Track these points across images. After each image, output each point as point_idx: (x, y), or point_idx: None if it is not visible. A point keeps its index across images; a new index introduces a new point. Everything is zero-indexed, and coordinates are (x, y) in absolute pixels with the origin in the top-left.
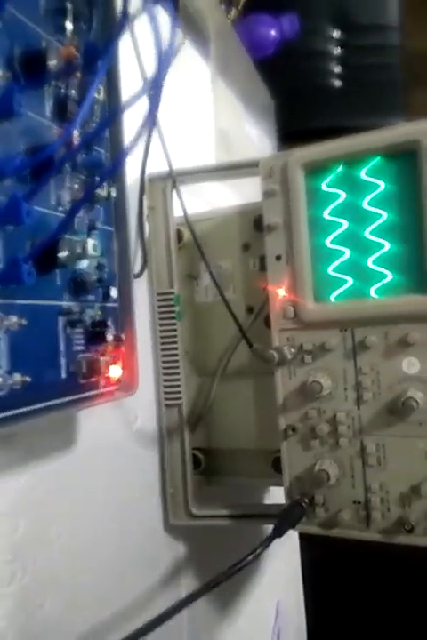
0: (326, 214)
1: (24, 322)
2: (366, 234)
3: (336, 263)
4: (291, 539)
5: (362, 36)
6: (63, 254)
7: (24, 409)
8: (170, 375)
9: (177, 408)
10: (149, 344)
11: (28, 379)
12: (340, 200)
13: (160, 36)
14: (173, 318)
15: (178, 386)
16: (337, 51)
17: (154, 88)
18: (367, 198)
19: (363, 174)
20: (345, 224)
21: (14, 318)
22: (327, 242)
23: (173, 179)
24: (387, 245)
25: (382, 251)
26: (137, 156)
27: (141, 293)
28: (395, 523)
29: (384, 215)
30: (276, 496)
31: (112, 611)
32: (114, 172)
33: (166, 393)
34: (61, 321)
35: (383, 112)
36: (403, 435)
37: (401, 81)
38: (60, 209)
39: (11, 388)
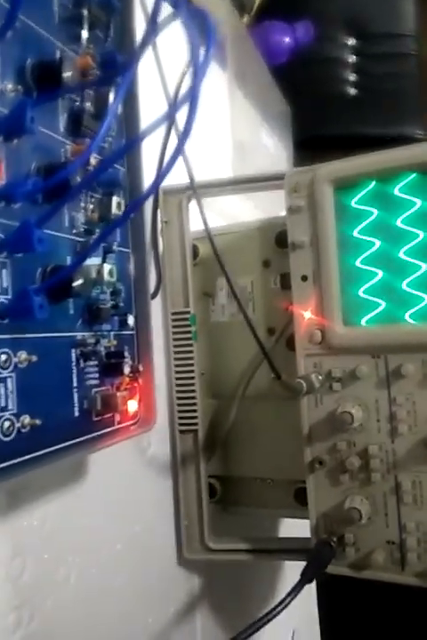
0: (356, 233)
1: (34, 358)
2: (401, 254)
3: (368, 285)
4: None
5: (377, 44)
6: (78, 283)
7: (32, 455)
8: (185, 399)
9: (192, 434)
10: (162, 366)
11: (37, 421)
12: (371, 218)
13: (197, 48)
14: (189, 339)
15: (194, 411)
16: (352, 58)
17: (190, 103)
18: (402, 217)
19: (397, 191)
20: (377, 243)
21: (23, 354)
22: (358, 262)
23: (195, 192)
24: (424, 267)
25: (419, 272)
26: (150, 167)
27: (155, 312)
28: None
29: (421, 235)
30: (297, 526)
31: None
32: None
33: (181, 418)
34: (74, 353)
35: (398, 120)
36: None
37: (416, 89)
38: (74, 232)
39: (19, 432)
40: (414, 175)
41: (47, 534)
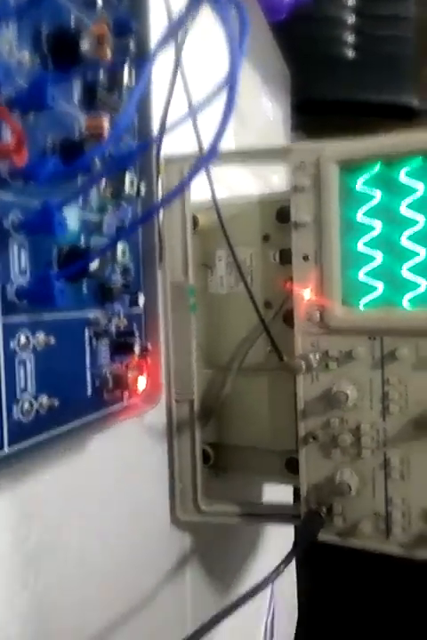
0: (359, 215)
1: (52, 340)
2: (402, 240)
3: (367, 268)
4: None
5: (377, 5)
6: (94, 265)
7: (50, 434)
8: (182, 370)
9: (188, 403)
10: (160, 335)
11: (55, 402)
12: (375, 201)
13: (234, 40)
14: (187, 310)
15: (190, 381)
16: (351, 18)
17: (228, 91)
18: (405, 202)
19: (402, 176)
20: (379, 227)
21: (41, 336)
22: (359, 245)
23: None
24: (423, 253)
25: (418, 259)
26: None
27: None
28: (416, 538)
29: (422, 221)
30: (283, 491)
31: (120, 608)
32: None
33: (178, 388)
34: (88, 333)
35: (395, 87)
36: None
37: (414, 55)
38: (87, 209)
39: (37, 413)
40: (419, 160)
41: (51, 498)
